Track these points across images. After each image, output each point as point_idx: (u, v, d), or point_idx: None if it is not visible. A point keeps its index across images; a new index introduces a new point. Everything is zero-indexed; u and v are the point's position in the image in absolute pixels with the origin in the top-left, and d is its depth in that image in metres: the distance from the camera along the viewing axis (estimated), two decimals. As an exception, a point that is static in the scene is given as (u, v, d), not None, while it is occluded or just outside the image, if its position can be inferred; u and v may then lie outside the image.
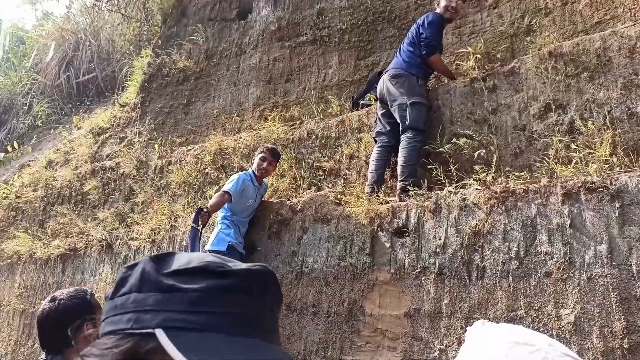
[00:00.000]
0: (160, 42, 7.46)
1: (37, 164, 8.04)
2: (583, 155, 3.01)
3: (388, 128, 4.04)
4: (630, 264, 2.61)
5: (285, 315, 3.88)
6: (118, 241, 5.59)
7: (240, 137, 5.22)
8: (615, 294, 2.62)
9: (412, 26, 4.31)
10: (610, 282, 2.65)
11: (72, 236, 6.27)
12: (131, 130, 6.95)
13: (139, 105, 6.97)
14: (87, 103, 9.75)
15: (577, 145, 3.08)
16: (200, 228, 4.09)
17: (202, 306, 0.57)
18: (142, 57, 7.23)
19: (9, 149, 9.22)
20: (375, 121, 4.23)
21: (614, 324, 2.59)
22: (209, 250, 4.01)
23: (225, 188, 4.10)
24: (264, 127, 5.10)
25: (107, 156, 6.99)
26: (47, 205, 7.10)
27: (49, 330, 1.84)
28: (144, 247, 5.25)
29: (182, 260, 0.61)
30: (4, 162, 9.12)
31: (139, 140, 6.59)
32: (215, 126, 5.74)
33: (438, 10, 4.22)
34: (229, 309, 0.58)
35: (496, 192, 3.08)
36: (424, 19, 4.16)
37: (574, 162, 3.02)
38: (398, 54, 4.22)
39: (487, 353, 0.70)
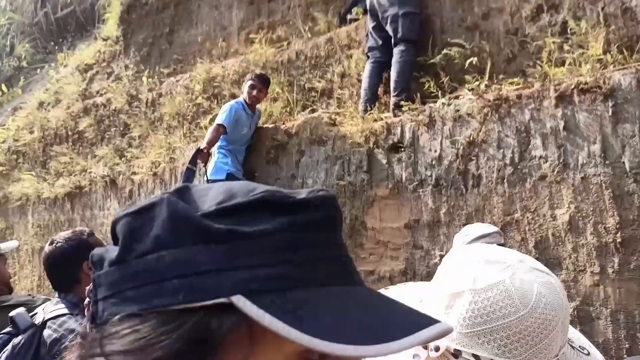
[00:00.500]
0: (134, -34, 7.06)
1: (29, 106, 7.95)
2: (576, 55, 2.95)
3: (380, 42, 3.92)
4: (623, 162, 2.66)
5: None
6: (121, 176, 5.66)
7: (228, 64, 5.11)
8: (608, 191, 2.69)
9: None
10: (603, 181, 2.71)
11: (75, 174, 6.35)
12: (117, 65, 6.79)
13: (122, 37, 6.75)
14: (69, 39, 9.43)
15: (570, 46, 3.01)
16: (196, 169, 4.12)
17: (286, 253, 0.40)
18: (117, -16, 6.89)
19: (-1, 92, 9.07)
20: (367, 35, 4.09)
21: (607, 220, 2.68)
22: (208, 180, 4.08)
23: (218, 120, 4.07)
24: (251, 51, 4.96)
25: (97, 92, 6.89)
26: (46, 146, 7.12)
27: (52, 272, 1.95)
28: (147, 180, 5.33)
29: (215, 194, 0.43)
30: (-4, 107, 9.02)
31: (126, 74, 6.46)
32: (201, 54, 5.59)
33: None
34: (321, 253, 0.42)
35: (489, 101, 3.07)
36: None
37: (567, 63, 2.97)
38: None
39: (459, 274, 0.71)
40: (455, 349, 0.67)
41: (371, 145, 3.61)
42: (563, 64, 2.98)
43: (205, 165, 4.19)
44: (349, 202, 3.71)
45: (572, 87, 2.79)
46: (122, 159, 5.88)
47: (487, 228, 2.25)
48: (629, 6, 2.93)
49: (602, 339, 2.66)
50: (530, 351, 0.65)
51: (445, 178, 3.28)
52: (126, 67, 6.49)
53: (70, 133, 6.89)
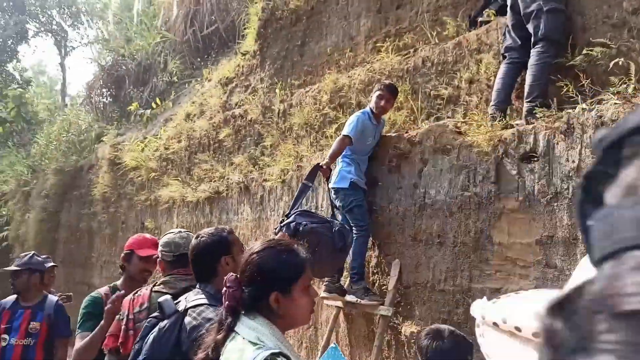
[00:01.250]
0: (271, -15, 7.53)
1: (178, 117, 8.84)
2: None
3: (519, 43, 3.65)
4: None
5: (412, 246, 3.95)
6: (253, 183, 6.04)
7: (355, 73, 5.19)
8: None
9: None
10: None
11: (214, 180, 6.92)
12: (254, 77, 7.27)
13: (258, 51, 7.22)
14: (213, 55, 10.33)
15: None
16: (312, 185, 4.24)
17: None
18: (255, 2, 7.39)
19: (154, 105, 10.23)
20: (504, 34, 3.83)
21: None
22: (332, 188, 4.18)
23: (345, 132, 4.15)
24: (377, 60, 4.99)
25: (236, 104, 7.44)
26: (191, 154, 7.86)
27: (195, 263, 2.15)
28: (276, 187, 5.62)
29: None
30: (151, 119, 10.17)
31: (261, 87, 6.89)
32: (329, 64, 5.76)
33: None
34: None
35: (638, 105, 2.73)
36: None
37: None
38: None
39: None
40: None
41: (500, 154, 3.42)
42: None
43: (327, 180, 4.30)
44: (473, 214, 3.55)
45: None
46: (255, 167, 6.27)
47: None
48: None
49: None
50: None
51: (584, 191, 2.98)
52: (261, 80, 6.92)
53: (211, 142, 7.53)
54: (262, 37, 7.14)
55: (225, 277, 1.56)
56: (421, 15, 5.01)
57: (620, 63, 2.97)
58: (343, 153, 4.20)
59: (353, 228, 4.08)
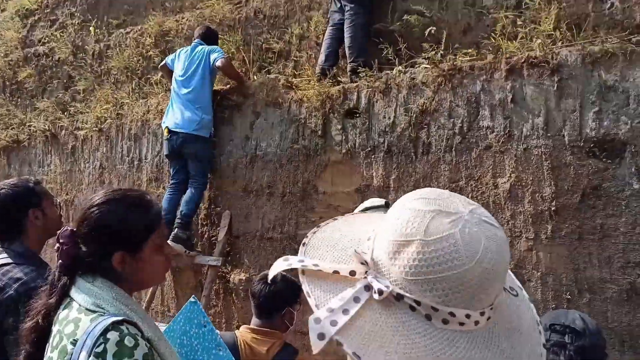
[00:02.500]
0: None
1: (-39, 51, 7.36)
2: (528, 30, 3.06)
3: (339, 5, 3.89)
4: (564, 135, 2.81)
5: (242, 197, 4.01)
6: (63, 131, 5.42)
7: (183, 17, 4.93)
8: (547, 162, 2.85)
9: None
10: (544, 152, 2.86)
11: (13, 127, 6.01)
12: (62, 12, 6.38)
13: (67, -18, 6.33)
14: (7, -19, 8.75)
15: (523, 21, 3.11)
16: None
17: None
18: None
19: None
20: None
21: (544, 189, 2.85)
22: (187, 134, 3.95)
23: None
24: (207, 6, 4.80)
25: (39, 41, 6.47)
26: (-20, 96, 6.67)
27: None
28: (91, 136, 5.13)
29: None
30: None
31: (72, 23, 6.09)
32: (154, 5, 5.34)
33: None
34: None
35: (444, 71, 3.14)
36: None
37: (519, 37, 3.07)
38: None
39: (410, 221, 0.70)
40: (397, 293, 0.69)
41: (327, 109, 3.63)
42: (515, 38, 3.08)
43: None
44: (302, 165, 3.74)
45: (522, 61, 2.91)
46: (65, 114, 5.61)
47: (377, 201, 2.28)
48: (580, -15, 3.05)
49: (531, 300, 2.86)
50: (469, 300, 0.68)
51: (397, 145, 3.35)
52: (72, 15, 6.11)
53: (7, 83, 6.48)
54: (72, -34, 6.26)
55: (58, 232, 1.30)
56: (253, -35, 4.93)
57: (432, 32, 3.36)
58: (207, 98, 3.98)
59: (195, 177, 3.97)
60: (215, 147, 4.15)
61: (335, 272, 0.74)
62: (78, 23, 5.99)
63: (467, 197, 3.01)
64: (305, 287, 0.74)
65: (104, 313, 1.20)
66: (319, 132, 3.66)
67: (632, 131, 2.63)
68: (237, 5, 4.64)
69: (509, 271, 0.84)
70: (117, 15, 5.72)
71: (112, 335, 1.14)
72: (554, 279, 2.83)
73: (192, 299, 1.69)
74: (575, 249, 2.77)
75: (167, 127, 4.01)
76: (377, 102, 3.45)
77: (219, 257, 3.95)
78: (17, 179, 1.98)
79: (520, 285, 0.89)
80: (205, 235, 4.23)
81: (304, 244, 0.82)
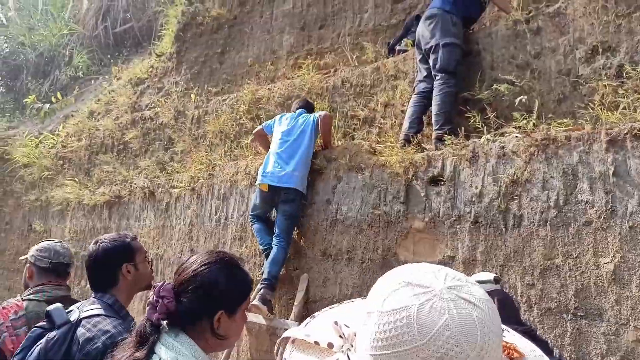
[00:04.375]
0: (193, -11, 7.37)
1: (80, 115, 8.27)
2: (631, 100, 2.86)
3: (425, 74, 3.93)
4: (676, 214, 2.52)
5: (321, 261, 3.98)
6: (160, 189, 5.78)
7: (275, 87, 5.20)
8: (657, 243, 2.55)
9: None
10: (653, 232, 2.57)
11: (116, 184, 6.52)
12: (168, 80, 7.02)
13: (175, 55, 7.00)
14: (125, 54, 9.85)
15: (624, 90, 2.92)
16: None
17: None
18: (175, 5, 7.18)
19: (54, 99, 9.49)
20: (414, 68, 4.12)
21: (655, 273, 2.54)
22: (288, 188, 4.03)
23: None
24: (298, 76, 5.05)
25: (146, 106, 7.12)
26: (92, 155, 7.37)
27: (93, 271, 1.97)
28: (184, 194, 5.42)
29: None
30: (49, 113, 9.42)
31: (176, 90, 6.67)
32: (249, 75, 5.72)
33: None
34: None
35: (536, 140, 2.99)
36: None
37: (620, 107, 2.88)
38: None
39: (377, 292, 0.70)
40: None
41: (410, 176, 3.57)
42: (617, 108, 2.89)
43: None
44: (382, 232, 3.66)
45: (625, 132, 2.70)
46: (163, 172, 6.02)
47: (484, 275, 2.14)
48: (691, 53, 2.84)
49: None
50: None
51: (485, 216, 3.19)
52: (176, 83, 6.70)
53: (116, 143, 7.12)
54: (180, 40, 6.94)
55: (156, 285, 1.36)
56: (342, 38, 5.16)
57: (523, 100, 3.26)
58: (309, 157, 4.10)
59: (281, 235, 4.00)
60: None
61: (316, 342, 0.75)
62: (181, 90, 6.54)
63: (564, 275, 2.77)
64: (285, 354, 0.75)
65: None
66: (401, 199, 3.59)
67: None
68: (326, 75, 4.83)
69: None
70: (216, 84, 6.19)
71: None
72: (670, 378, 2.45)
73: None
74: (696, 345, 2.40)
75: (266, 183, 4.09)
76: (463, 170, 3.35)
77: (296, 320, 3.89)
78: (116, 234, 2.08)
79: None
80: (283, 298, 4.21)
81: (312, 316, 0.84)
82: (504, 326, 0.75)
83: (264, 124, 4.53)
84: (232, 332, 1.40)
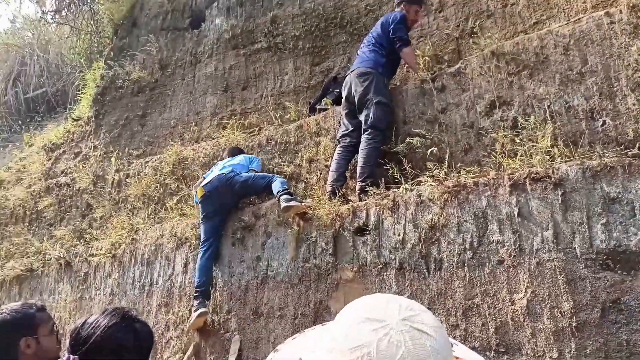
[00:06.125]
0: (112, 53, 7.36)
1: (-13, 184, 7.74)
2: (527, 148, 3.20)
3: (351, 128, 4.11)
4: (574, 247, 2.79)
5: (253, 321, 3.91)
6: (77, 258, 5.47)
7: (200, 147, 5.23)
8: (562, 276, 2.79)
9: (373, 27, 4.42)
10: (557, 266, 2.82)
11: (28, 256, 6.09)
12: (86, 145, 6.82)
13: (93, 118, 6.85)
14: (38, 119, 9.47)
15: (521, 139, 3.26)
16: None
17: None
18: (94, 69, 7.11)
19: (-44, 169, 8.83)
20: (340, 122, 4.30)
21: (562, 304, 2.76)
22: None
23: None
24: (223, 136, 5.12)
25: (62, 172, 6.83)
26: (0, 226, 6.87)
27: None
28: (104, 262, 5.17)
29: None
30: (-49, 184, 8.72)
31: (94, 155, 6.48)
32: (172, 136, 5.72)
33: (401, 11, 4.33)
34: None
35: (449, 187, 3.23)
36: (389, 17, 4.28)
37: (519, 154, 3.20)
38: (362, 53, 4.29)
39: (337, 329, 0.72)
40: None
41: (337, 227, 3.68)
42: (515, 155, 3.21)
43: None
44: (313, 285, 3.69)
45: (525, 176, 3.00)
46: (81, 241, 5.72)
47: None
48: (572, 104, 3.24)
49: None
50: None
51: (409, 261, 3.34)
52: (95, 147, 6.52)
53: (28, 212, 6.71)
54: (99, 104, 6.82)
55: None
56: (265, 98, 5.34)
57: (434, 151, 3.52)
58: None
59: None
60: (216, 271, 4.17)
61: None
62: (100, 154, 6.36)
63: (485, 314, 2.94)
64: None
65: None
66: (330, 250, 3.67)
67: (644, 241, 2.61)
68: (251, 134, 4.94)
69: None
70: (137, 146, 6.09)
71: None
72: (587, 402, 2.62)
73: None
74: (605, 368, 2.61)
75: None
76: (386, 219, 3.51)
77: (229, 386, 3.75)
78: (21, 303, 1.94)
79: None
80: (215, 363, 4.05)
81: (275, 350, 0.85)
82: (452, 340, 0.80)
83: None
84: None
